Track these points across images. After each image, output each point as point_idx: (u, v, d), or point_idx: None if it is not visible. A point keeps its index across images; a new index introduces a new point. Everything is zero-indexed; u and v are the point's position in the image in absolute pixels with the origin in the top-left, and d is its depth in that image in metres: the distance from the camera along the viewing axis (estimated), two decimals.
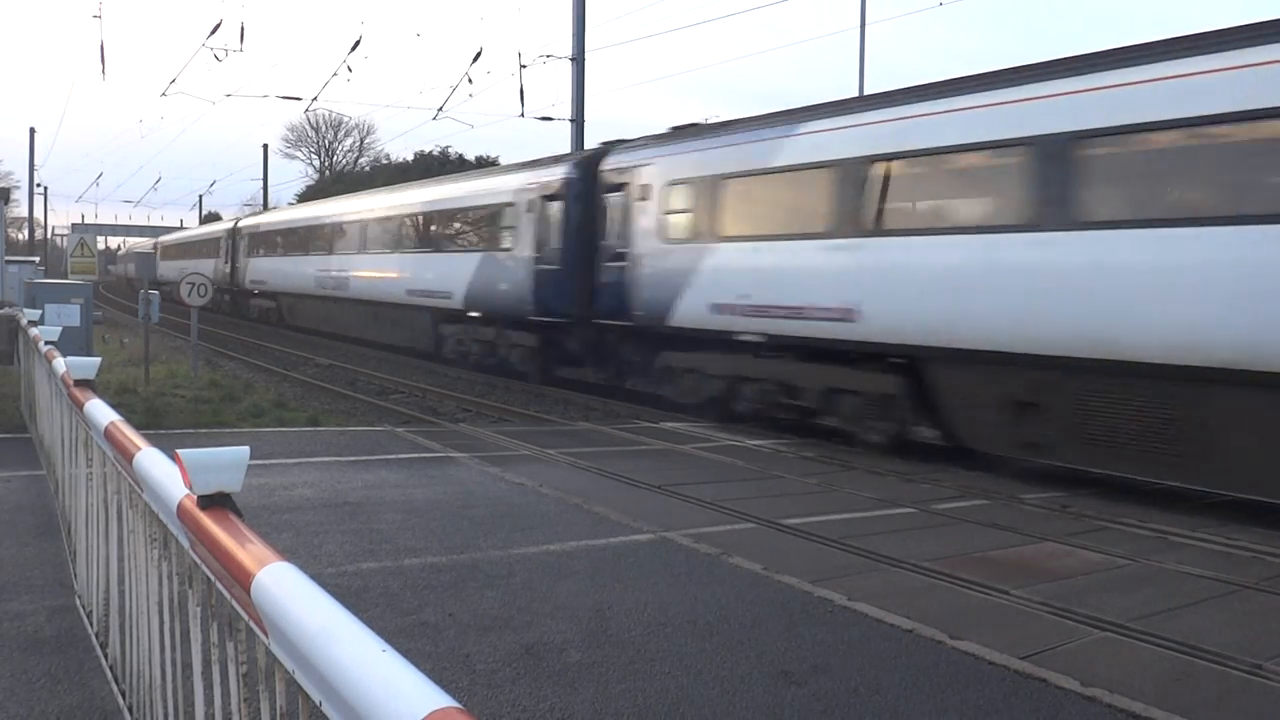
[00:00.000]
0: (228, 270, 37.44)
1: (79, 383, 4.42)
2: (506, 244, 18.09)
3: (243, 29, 28.57)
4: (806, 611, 5.24)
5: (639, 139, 15.85)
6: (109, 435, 3.32)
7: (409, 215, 23.03)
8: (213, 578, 2.02)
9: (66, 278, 21.06)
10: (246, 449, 2.14)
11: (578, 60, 29.91)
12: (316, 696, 1.40)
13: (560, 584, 5.52)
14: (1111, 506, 8.38)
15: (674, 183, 13.72)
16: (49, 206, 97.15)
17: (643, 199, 14.35)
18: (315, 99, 28.49)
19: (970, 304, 9.66)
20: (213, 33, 24.15)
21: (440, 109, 25.93)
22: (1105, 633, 5.10)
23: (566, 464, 9.56)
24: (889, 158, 10.67)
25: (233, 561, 1.80)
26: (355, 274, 25.43)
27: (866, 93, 10.37)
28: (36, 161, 51.75)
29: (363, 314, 25.32)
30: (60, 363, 5.07)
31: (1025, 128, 9.21)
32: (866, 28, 21.04)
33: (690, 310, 13.20)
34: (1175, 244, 8.15)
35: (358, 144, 70.86)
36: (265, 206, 62.20)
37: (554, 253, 16.58)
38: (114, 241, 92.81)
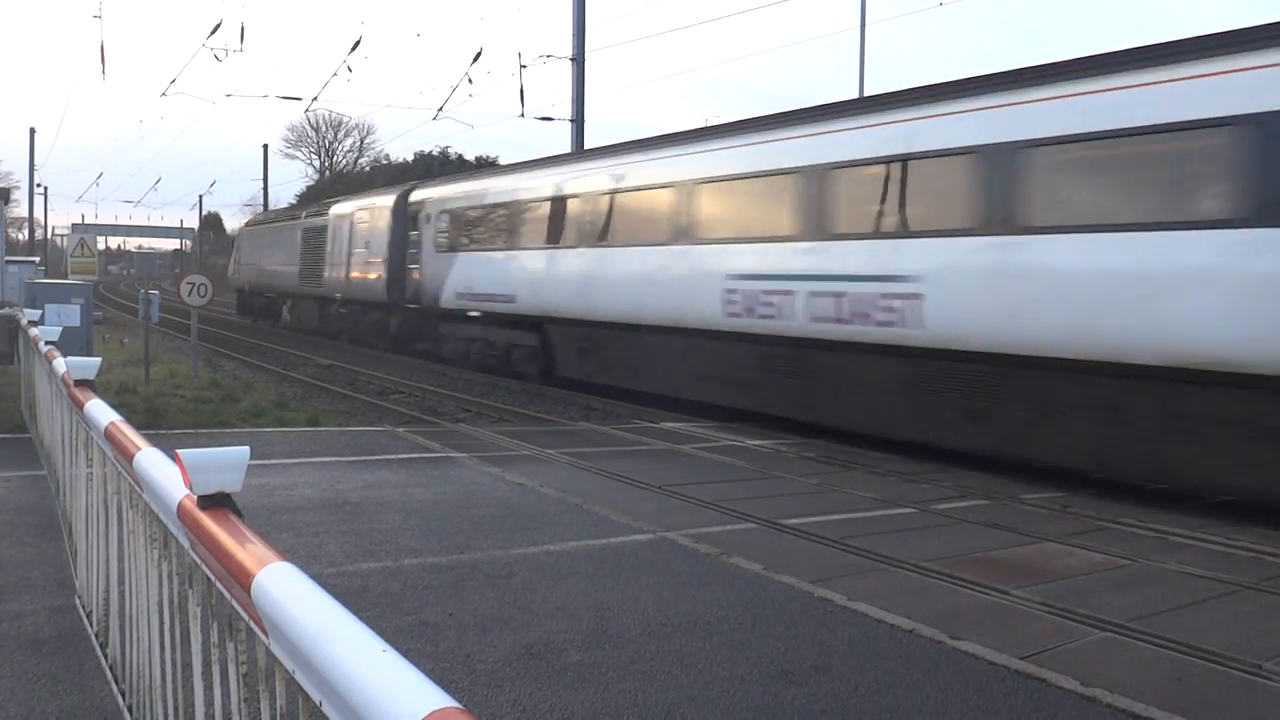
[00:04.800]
0: (384, 274, 23.66)
1: (79, 383, 4.42)
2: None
3: (243, 29, 28.60)
4: (806, 611, 5.24)
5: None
6: (109, 435, 3.32)
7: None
8: (213, 578, 2.02)
9: (66, 278, 21.07)
10: (246, 449, 2.14)
11: (578, 60, 29.88)
12: (316, 696, 1.40)
13: (560, 584, 5.52)
14: (1111, 506, 8.39)
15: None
16: (49, 206, 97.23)
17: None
18: (315, 99, 28.52)
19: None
20: (213, 33, 24.21)
21: (440, 109, 25.97)
22: (1105, 633, 5.10)
23: (566, 464, 9.56)
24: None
25: (233, 561, 1.80)
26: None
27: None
28: (36, 162, 51.80)
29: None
30: (60, 363, 5.07)
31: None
32: (866, 28, 21.07)
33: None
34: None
35: (358, 144, 70.94)
36: (265, 207, 61.93)
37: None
38: (114, 241, 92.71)
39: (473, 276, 19.06)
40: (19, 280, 19.39)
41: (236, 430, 10.90)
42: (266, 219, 39.12)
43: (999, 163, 9.48)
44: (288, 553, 1.75)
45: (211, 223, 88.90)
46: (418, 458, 9.58)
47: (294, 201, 57.47)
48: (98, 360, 4.70)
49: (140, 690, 3.13)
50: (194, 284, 16.19)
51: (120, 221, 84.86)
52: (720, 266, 12.70)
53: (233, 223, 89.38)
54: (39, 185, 60.48)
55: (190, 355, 17.85)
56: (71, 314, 13.48)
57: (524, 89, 24.65)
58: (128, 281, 69.97)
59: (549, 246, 16.75)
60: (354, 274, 25.35)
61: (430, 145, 63.08)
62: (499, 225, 18.48)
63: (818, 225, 11.42)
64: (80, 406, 4.09)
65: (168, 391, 13.85)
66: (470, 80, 32.10)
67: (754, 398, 12.75)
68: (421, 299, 21.26)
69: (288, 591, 1.58)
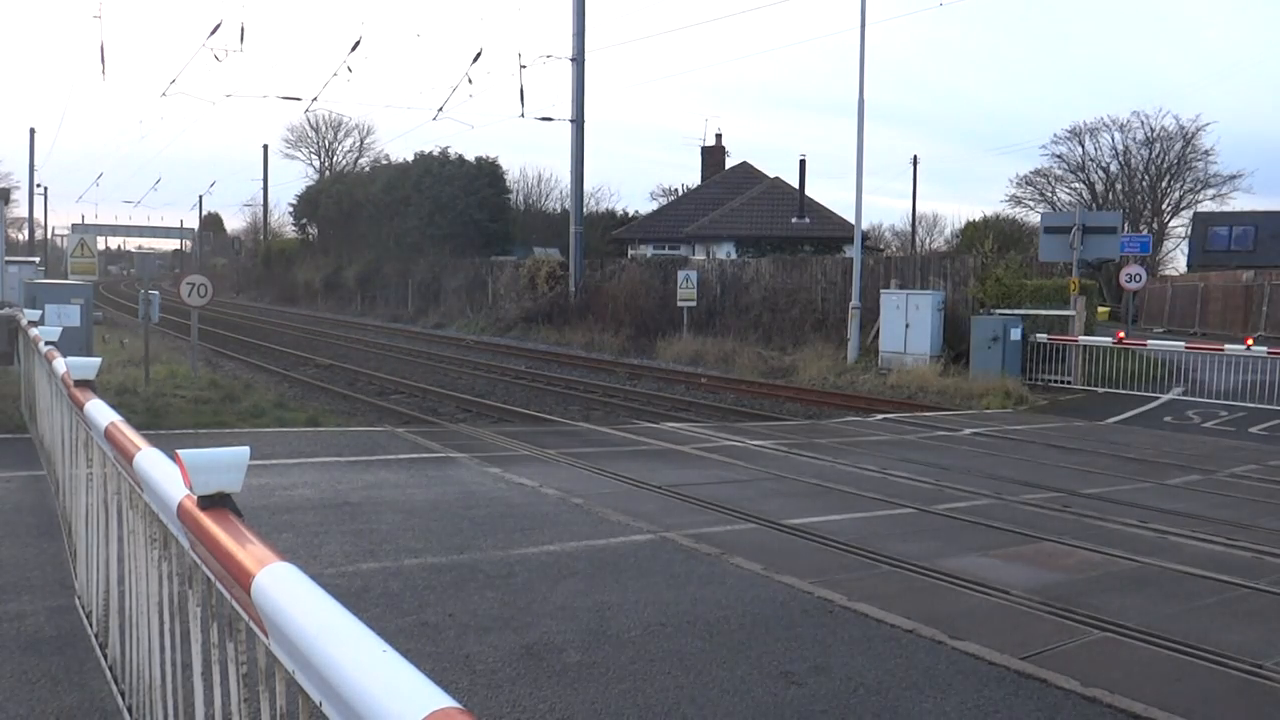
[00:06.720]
0: None
1: (79, 383, 4.41)
2: None
3: (243, 29, 28.59)
4: (806, 611, 5.24)
5: None
6: (109, 435, 3.32)
7: None
8: (213, 578, 2.02)
9: (66, 278, 21.06)
10: (246, 449, 2.14)
11: (578, 61, 29.91)
12: (316, 696, 1.40)
13: (560, 584, 5.52)
14: (1111, 507, 8.39)
15: None
16: (49, 207, 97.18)
17: None
18: (315, 99, 28.52)
19: None
20: (213, 33, 24.20)
21: (440, 109, 25.98)
22: (1105, 633, 5.10)
23: (566, 464, 9.56)
24: None
25: (233, 562, 1.80)
26: None
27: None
28: (36, 162, 51.69)
29: None
30: (60, 363, 5.06)
31: None
32: (866, 28, 20.97)
33: None
34: None
35: (358, 144, 70.96)
36: (265, 207, 61.91)
37: None
38: (114, 242, 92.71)
39: None
40: (19, 280, 19.39)
41: (236, 430, 10.89)
42: None
43: None
44: (288, 553, 1.75)
45: (211, 223, 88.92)
46: (418, 458, 9.57)
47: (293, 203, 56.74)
48: (98, 360, 4.70)
49: (140, 690, 3.13)
50: (194, 284, 16.20)
51: (120, 222, 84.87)
52: None
53: (233, 223, 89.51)
54: (39, 185, 60.42)
55: (190, 355, 17.85)
56: (71, 314, 13.47)
57: (524, 89, 24.67)
58: (128, 281, 69.94)
59: None
60: None
61: (430, 145, 62.97)
62: None
63: None
64: (80, 407, 4.09)
65: (168, 392, 13.85)
66: (470, 80, 32.16)
67: None
68: None
69: (288, 591, 1.58)
